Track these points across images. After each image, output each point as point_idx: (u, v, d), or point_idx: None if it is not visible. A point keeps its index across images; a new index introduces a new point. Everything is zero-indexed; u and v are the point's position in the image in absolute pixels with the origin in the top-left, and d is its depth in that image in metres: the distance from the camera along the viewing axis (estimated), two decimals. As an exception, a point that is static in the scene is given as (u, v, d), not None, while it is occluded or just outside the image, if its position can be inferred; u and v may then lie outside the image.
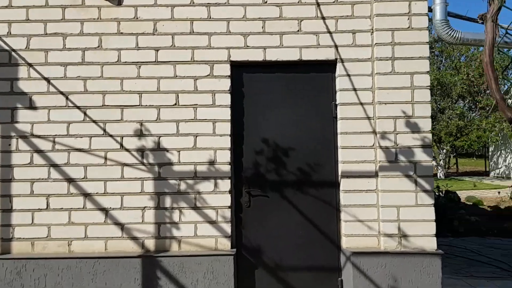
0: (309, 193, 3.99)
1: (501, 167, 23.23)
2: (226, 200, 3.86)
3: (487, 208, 13.00)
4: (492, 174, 23.94)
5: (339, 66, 3.92)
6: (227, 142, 3.89)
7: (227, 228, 3.84)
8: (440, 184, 15.78)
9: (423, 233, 3.78)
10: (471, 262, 7.19)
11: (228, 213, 3.85)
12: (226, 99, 3.92)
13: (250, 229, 3.99)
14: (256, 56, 3.94)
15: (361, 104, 3.88)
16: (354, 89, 3.89)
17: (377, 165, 3.84)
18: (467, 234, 10.09)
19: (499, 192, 14.97)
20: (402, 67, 3.84)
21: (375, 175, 3.85)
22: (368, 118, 3.87)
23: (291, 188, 4.00)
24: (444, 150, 22.87)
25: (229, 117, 3.91)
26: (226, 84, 3.93)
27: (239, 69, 4.01)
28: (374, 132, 3.86)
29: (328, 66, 4.01)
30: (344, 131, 3.88)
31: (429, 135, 3.83)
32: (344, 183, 3.88)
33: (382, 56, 3.85)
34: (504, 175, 22.74)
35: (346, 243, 3.85)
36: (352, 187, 3.86)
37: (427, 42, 3.87)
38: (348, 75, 3.90)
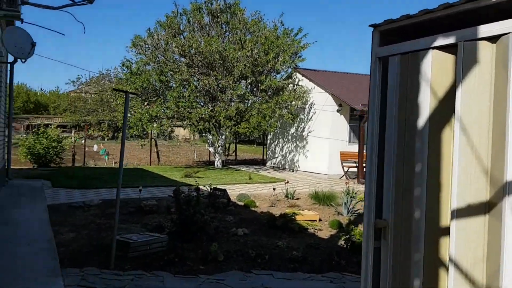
0: None
1: (277, 156, 22.11)
2: None
3: (260, 213, 10.23)
4: (268, 163, 22.73)
5: None
6: None
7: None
8: (209, 180, 12.63)
9: None
10: None
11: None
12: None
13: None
14: None
15: None
16: None
17: None
18: (228, 263, 6.72)
19: (274, 189, 12.66)
20: None
21: None
22: None
23: None
24: (224, 136, 20.31)
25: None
26: None
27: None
28: None
29: None
30: None
31: None
32: None
33: None
34: (280, 166, 21.65)
35: None
36: None
37: None
38: None
